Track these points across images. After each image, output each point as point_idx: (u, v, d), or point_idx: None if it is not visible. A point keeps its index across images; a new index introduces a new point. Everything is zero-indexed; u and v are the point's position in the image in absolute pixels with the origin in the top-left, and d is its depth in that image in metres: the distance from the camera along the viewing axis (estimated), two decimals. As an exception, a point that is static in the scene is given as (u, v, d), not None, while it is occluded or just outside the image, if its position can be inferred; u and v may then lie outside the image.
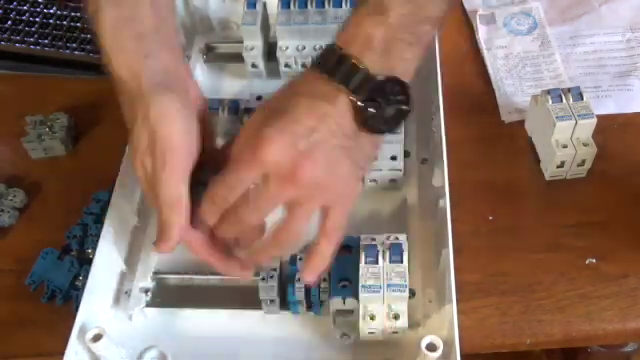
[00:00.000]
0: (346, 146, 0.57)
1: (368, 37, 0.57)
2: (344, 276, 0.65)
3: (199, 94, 0.67)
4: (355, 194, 0.61)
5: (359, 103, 0.56)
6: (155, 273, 0.73)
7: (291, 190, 0.56)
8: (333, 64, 0.57)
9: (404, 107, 0.58)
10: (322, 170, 0.56)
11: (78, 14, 1.06)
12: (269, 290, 0.67)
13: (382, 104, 0.57)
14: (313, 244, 0.60)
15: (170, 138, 0.61)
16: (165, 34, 0.66)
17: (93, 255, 0.70)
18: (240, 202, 0.59)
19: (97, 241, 0.71)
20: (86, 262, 0.75)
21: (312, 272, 0.61)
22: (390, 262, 0.64)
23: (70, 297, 0.75)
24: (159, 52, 0.64)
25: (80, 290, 0.72)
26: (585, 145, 0.79)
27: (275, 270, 0.67)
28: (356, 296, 0.64)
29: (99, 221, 0.77)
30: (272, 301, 0.67)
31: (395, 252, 0.65)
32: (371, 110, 0.57)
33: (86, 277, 0.69)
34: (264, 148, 0.55)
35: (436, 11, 0.60)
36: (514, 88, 0.92)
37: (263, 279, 0.67)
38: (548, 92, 0.80)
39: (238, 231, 0.61)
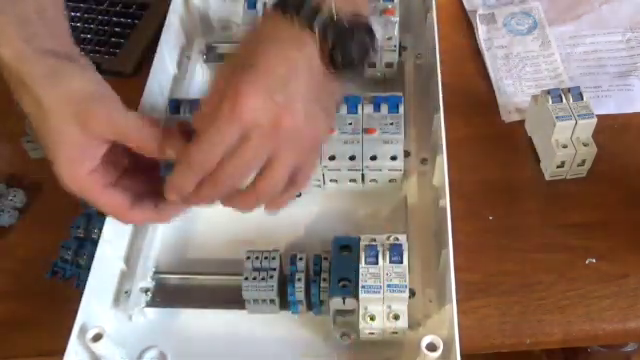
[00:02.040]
0: (317, 89, 0.57)
1: None
2: (344, 276, 0.65)
3: (100, 78, 0.62)
4: (324, 140, 0.61)
5: (325, 44, 0.56)
6: (155, 273, 0.73)
7: (273, 143, 0.55)
8: (296, 5, 0.56)
9: (369, 48, 0.58)
10: (300, 120, 0.55)
11: (78, 14, 1.06)
12: (268, 290, 0.67)
13: (348, 43, 0.56)
14: (281, 189, 0.59)
15: (91, 88, 0.59)
16: (50, 18, 0.62)
17: (98, 236, 0.70)
18: (220, 165, 0.56)
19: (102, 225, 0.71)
20: (91, 242, 0.76)
21: (277, 208, 0.61)
22: (390, 262, 0.64)
23: (73, 275, 0.76)
24: (43, 35, 0.60)
25: (82, 268, 0.74)
26: (585, 145, 0.79)
27: (275, 270, 0.67)
28: (356, 296, 0.64)
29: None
30: (272, 301, 0.67)
31: (395, 252, 0.65)
32: (338, 48, 0.56)
33: (89, 256, 0.70)
34: (242, 104, 0.53)
35: None
36: (514, 88, 0.92)
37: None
38: (548, 92, 0.80)
39: (217, 196, 0.59)
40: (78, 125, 0.58)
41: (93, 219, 0.79)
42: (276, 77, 0.54)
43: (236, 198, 0.60)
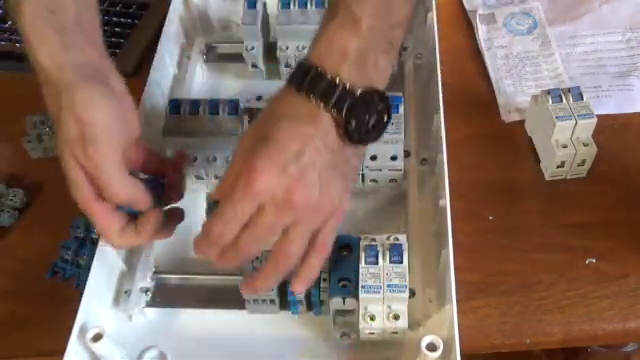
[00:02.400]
0: (333, 162, 0.57)
1: (343, 50, 0.57)
2: (344, 276, 0.65)
3: (125, 92, 0.65)
4: (345, 207, 0.61)
5: (340, 118, 0.56)
6: (155, 273, 0.73)
7: (288, 216, 0.56)
8: (311, 81, 0.56)
9: (384, 116, 0.59)
10: (315, 191, 0.56)
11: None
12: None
13: (363, 116, 0.57)
14: (304, 258, 0.60)
15: (99, 123, 0.60)
16: (87, 28, 0.65)
17: (98, 236, 0.71)
18: (239, 235, 0.58)
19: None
20: (90, 242, 0.77)
21: (303, 284, 0.61)
22: (390, 262, 0.64)
23: (73, 275, 0.77)
24: (81, 45, 0.63)
25: (82, 268, 0.74)
26: (585, 145, 0.79)
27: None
28: (356, 296, 0.64)
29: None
30: (272, 301, 0.67)
31: (395, 252, 0.65)
32: (353, 123, 0.57)
33: (89, 257, 0.70)
34: (256, 179, 0.54)
35: (403, 14, 0.61)
36: (514, 88, 0.92)
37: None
38: (548, 92, 0.80)
39: (240, 261, 0.60)
40: (81, 152, 0.60)
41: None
42: (289, 152, 0.55)
43: (257, 274, 0.61)
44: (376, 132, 0.59)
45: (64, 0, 0.64)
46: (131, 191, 0.63)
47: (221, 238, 0.58)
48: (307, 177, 0.55)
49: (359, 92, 0.56)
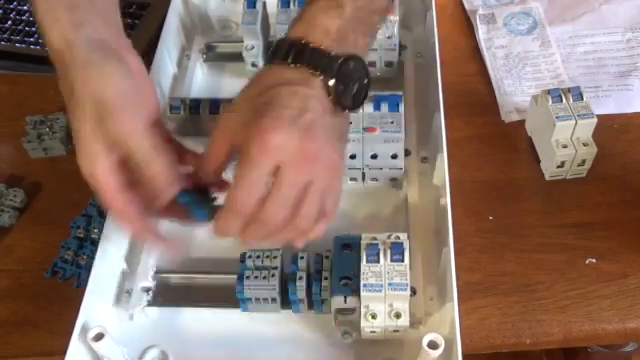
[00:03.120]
0: (330, 123, 0.59)
1: (325, 29, 0.60)
2: (345, 275, 0.65)
3: (142, 70, 0.65)
4: (343, 168, 0.63)
5: (331, 82, 0.58)
6: (156, 272, 0.73)
7: (305, 170, 0.57)
8: (297, 53, 0.59)
9: (365, 84, 0.62)
10: (323, 143, 0.57)
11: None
12: (270, 289, 0.67)
13: (348, 81, 0.60)
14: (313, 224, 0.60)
15: (115, 97, 0.60)
16: (100, 6, 0.64)
17: (98, 236, 0.71)
18: (263, 206, 0.57)
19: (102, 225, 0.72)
20: (90, 242, 0.77)
21: (304, 241, 0.62)
22: (391, 261, 0.64)
23: (73, 275, 0.77)
24: (93, 23, 0.62)
25: (82, 268, 0.75)
26: (585, 145, 0.79)
27: (276, 269, 0.67)
28: (357, 295, 0.64)
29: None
30: (274, 299, 0.67)
31: (396, 251, 0.65)
32: (341, 87, 0.59)
33: (90, 256, 0.71)
34: (270, 137, 0.55)
35: (383, 3, 0.65)
36: (514, 88, 0.92)
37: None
38: (548, 92, 0.80)
39: (267, 235, 0.60)
40: (98, 127, 0.59)
41: (93, 219, 0.80)
42: (293, 109, 0.56)
43: (276, 235, 0.61)
44: (359, 98, 0.62)
45: None
46: (165, 158, 0.62)
47: (244, 206, 0.57)
48: (313, 131, 0.57)
49: (343, 59, 0.59)
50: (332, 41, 0.59)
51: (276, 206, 0.57)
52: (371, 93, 0.77)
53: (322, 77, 0.58)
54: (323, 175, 0.58)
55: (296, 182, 0.57)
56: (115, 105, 0.59)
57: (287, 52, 0.59)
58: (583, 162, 0.81)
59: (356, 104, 0.62)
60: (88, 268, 0.69)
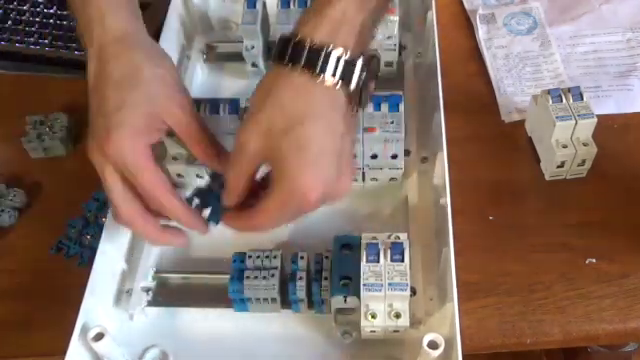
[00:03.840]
0: (346, 132, 0.59)
1: (353, 26, 0.58)
2: (345, 274, 0.65)
3: (165, 55, 0.69)
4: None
5: (352, 92, 0.58)
6: (156, 272, 0.73)
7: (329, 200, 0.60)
8: (323, 61, 0.57)
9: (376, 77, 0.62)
10: (352, 176, 0.62)
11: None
12: (270, 289, 0.67)
13: (366, 82, 0.59)
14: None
15: (135, 102, 0.63)
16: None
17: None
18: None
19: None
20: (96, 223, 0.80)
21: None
22: (391, 261, 0.64)
23: (76, 253, 0.78)
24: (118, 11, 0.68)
25: (86, 247, 0.77)
26: (585, 145, 0.79)
27: (276, 269, 0.67)
28: (357, 294, 0.64)
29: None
30: (274, 299, 0.67)
31: (396, 251, 0.65)
32: (360, 93, 0.59)
33: (93, 236, 0.73)
34: (310, 198, 0.58)
35: None
36: (514, 88, 0.92)
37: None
38: (548, 92, 0.80)
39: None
40: (149, 103, 0.63)
41: (106, 205, 0.81)
42: (330, 156, 0.58)
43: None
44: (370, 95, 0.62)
45: None
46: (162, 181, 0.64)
47: (261, 228, 0.62)
48: (346, 172, 0.60)
49: (361, 61, 0.59)
50: (356, 39, 0.58)
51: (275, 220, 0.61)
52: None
53: (344, 87, 0.58)
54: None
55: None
56: (167, 95, 0.65)
57: (311, 59, 0.57)
58: (583, 162, 0.81)
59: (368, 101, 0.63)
60: (91, 247, 0.70)
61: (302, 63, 0.57)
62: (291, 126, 0.57)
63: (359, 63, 0.58)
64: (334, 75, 0.57)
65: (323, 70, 0.57)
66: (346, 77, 0.58)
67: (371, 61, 0.60)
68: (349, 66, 0.58)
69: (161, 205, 0.64)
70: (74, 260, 0.78)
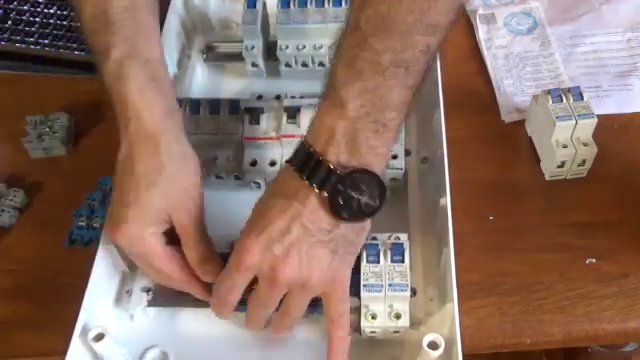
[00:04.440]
0: (323, 239, 0.60)
1: (330, 131, 0.58)
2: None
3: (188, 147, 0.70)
4: (345, 280, 0.63)
5: (325, 195, 0.58)
6: (156, 272, 0.73)
7: (278, 289, 0.61)
8: (302, 161, 0.60)
9: (377, 194, 0.59)
10: (298, 269, 0.60)
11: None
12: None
13: (350, 194, 0.58)
14: (328, 334, 0.64)
15: (142, 195, 0.66)
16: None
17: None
18: (248, 300, 0.65)
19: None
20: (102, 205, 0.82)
21: (339, 357, 0.64)
22: (391, 262, 0.64)
23: (91, 239, 0.80)
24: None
25: (97, 230, 0.79)
26: (585, 145, 0.79)
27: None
28: (357, 295, 0.64)
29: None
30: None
31: (396, 252, 0.65)
32: (340, 202, 0.58)
33: (103, 217, 0.75)
34: (244, 258, 0.60)
35: (399, 99, 0.59)
36: (514, 88, 0.92)
37: None
38: (548, 92, 0.80)
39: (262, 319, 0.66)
40: (161, 200, 0.66)
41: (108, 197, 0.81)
42: (276, 229, 0.59)
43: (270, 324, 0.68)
44: (370, 209, 0.60)
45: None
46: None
47: (224, 302, 0.65)
48: (291, 256, 0.59)
49: (346, 171, 0.58)
50: (338, 146, 0.58)
51: (255, 307, 0.65)
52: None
53: (317, 191, 0.58)
54: (304, 292, 0.62)
55: (270, 296, 0.62)
56: (177, 199, 0.67)
57: (297, 157, 0.60)
58: (583, 162, 0.81)
59: (366, 214, 0.60)
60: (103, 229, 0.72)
61: (294, 161, 0.61)
62: (266, 197, 0.63)
63: (325, 167, 0.58)
64: (302, 170, 0.59)
65: (297, 164, 0.60)
66: (311, 176, 0.59)
67: (360, 175, 0.59)
68: (316, 166, 0.59)
69: (178, 283, 0.68)
70: (74, 260, 0.77)
